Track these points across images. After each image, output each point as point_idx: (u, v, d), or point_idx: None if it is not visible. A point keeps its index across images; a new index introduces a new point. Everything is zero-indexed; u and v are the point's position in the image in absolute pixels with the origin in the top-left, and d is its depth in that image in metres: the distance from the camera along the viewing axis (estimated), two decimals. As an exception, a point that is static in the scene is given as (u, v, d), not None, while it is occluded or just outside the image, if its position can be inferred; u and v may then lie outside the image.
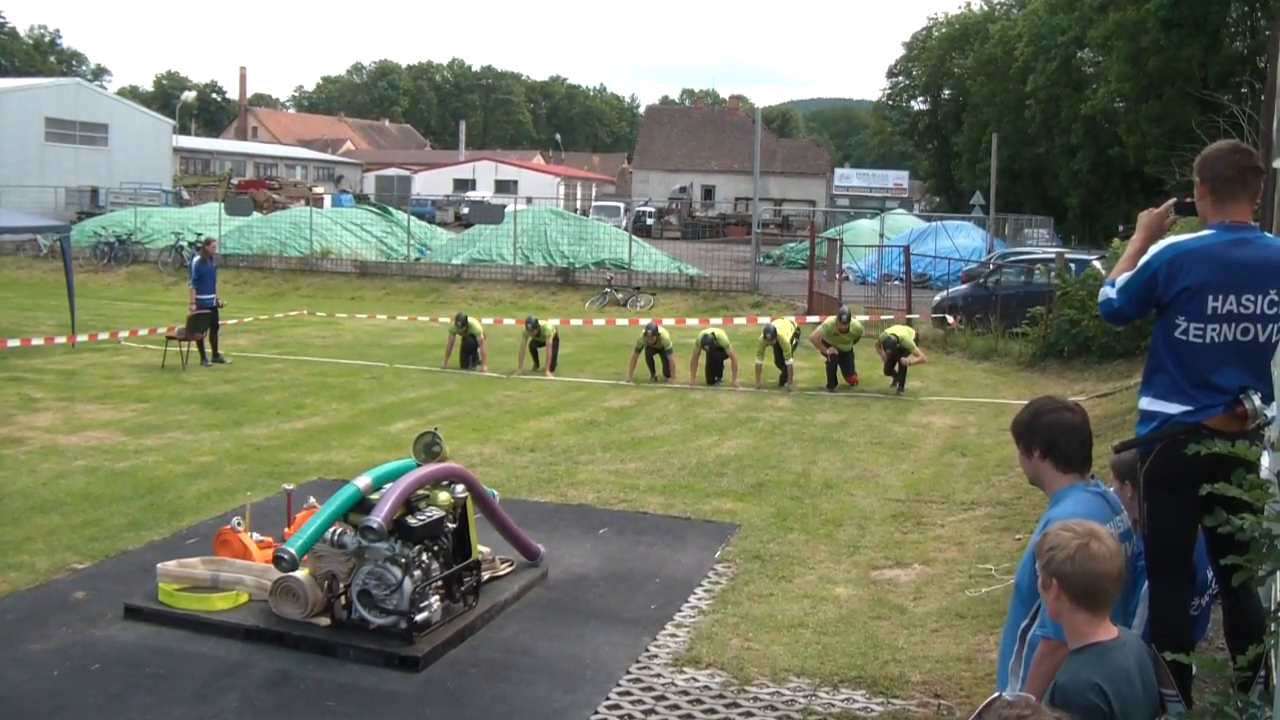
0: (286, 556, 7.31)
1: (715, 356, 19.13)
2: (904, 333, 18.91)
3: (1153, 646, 4.16)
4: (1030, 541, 4.20)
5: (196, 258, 21.16)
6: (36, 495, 11.02)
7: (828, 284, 28.78)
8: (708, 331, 19.16)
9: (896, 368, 18.61)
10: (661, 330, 19.47)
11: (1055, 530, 3.63)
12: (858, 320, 19.49)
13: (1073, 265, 23.86)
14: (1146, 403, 5.07)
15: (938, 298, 27.29)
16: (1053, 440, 4.34)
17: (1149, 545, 4.94)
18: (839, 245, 30.18)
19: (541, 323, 20.28)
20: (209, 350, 20.21)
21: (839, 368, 19.00)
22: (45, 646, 7.39)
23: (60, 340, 21.21)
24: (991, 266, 29.00)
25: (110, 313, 27.60)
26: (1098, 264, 23.03)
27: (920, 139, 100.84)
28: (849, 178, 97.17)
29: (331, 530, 7.51)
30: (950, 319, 24.74)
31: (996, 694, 3.52)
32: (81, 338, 21.44)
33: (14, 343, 19.90)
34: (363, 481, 7.75)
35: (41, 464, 12.31)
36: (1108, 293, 5.15)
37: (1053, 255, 26.79)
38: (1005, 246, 40.76)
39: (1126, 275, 5.08)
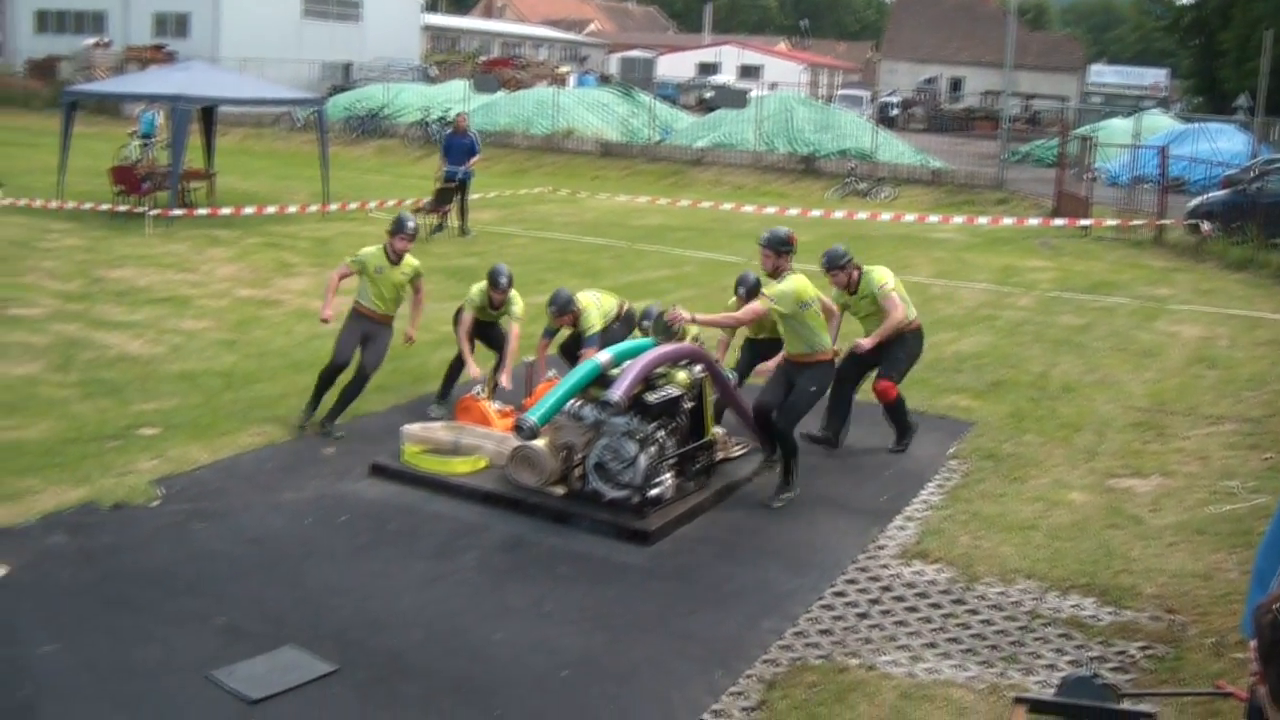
0: (527, 425, 7.46)
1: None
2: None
3: None
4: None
5: (449, 130, 21.57)
6: (292, 355, 11.56)
7: (1077, 183, 27.67)
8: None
9: None
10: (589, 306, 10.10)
11: None
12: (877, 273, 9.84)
13: (1346, 174, 22.40)
14: None
15: (1193, 203, 25.98)
16: None
17: None
18: (1091, 144, 28.91)
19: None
20: (455, 223, 20.67)
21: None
22: (299, 496, 7.79)
23: (313, 209, 21.98)
24: (1255, 173, 27.43)
25: (360, 184, 28.44)
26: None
27: (1183, 35, 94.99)
28: (1104, 74, 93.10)
29: (571, 403, 7.65)
30: (1205, 225, 23.53)
31: None
32: (333, 207, 22.17)
33: (271, 210, 20.70)
34: (603, 357, 7.85)
35: (296, 325, 12.87)
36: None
37: (1326, 162, 25.20)
38: (1271, 152, 38.46)
39: None
